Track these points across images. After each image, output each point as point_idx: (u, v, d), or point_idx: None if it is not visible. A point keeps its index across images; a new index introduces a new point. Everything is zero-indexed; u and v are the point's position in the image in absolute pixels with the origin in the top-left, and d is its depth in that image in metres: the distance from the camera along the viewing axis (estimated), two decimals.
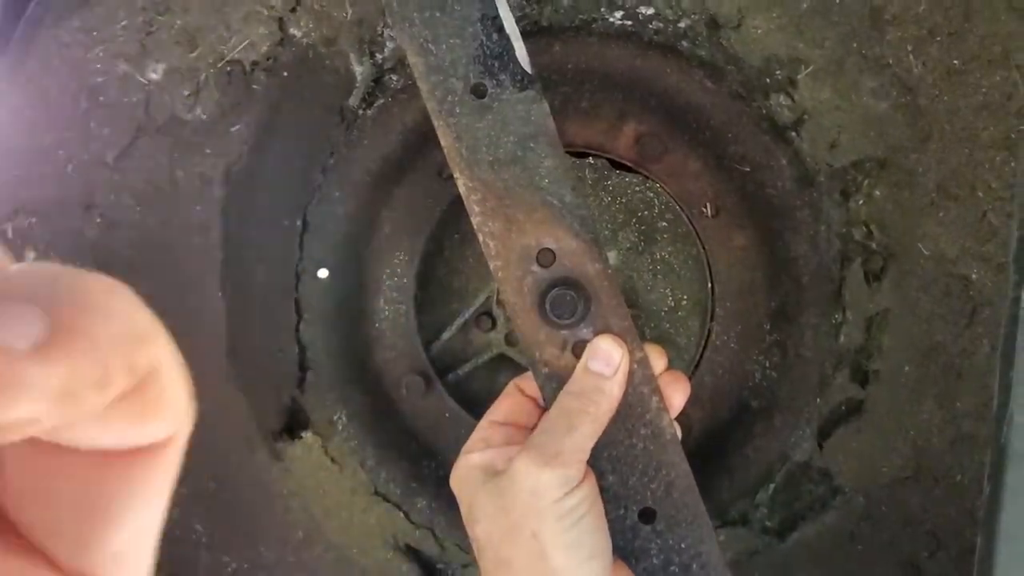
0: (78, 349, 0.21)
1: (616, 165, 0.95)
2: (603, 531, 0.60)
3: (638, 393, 0.63)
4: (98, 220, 0.85)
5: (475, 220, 0.63)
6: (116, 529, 0.25)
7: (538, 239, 0.63)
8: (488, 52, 0.63)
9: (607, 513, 0.62)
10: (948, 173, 0.80)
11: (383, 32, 0.86)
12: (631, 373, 0.63)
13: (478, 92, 0.63)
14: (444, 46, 0.63)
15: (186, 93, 0.83)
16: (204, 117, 0.84)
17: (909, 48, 0.79)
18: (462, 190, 0.63)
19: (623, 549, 0.63)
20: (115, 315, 0.22)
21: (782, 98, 0.85)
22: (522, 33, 0.63)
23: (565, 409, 0.61)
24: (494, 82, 0.63)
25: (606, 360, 0.62)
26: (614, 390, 0.61)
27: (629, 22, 0.87)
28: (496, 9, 0.63)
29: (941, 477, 0.83)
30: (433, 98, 0.63)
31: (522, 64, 0.63)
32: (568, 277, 0.63)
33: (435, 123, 0.63)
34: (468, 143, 0.63)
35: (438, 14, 0.62)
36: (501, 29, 0.63)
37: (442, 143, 0.63)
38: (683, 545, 0.64)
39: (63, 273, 0.22)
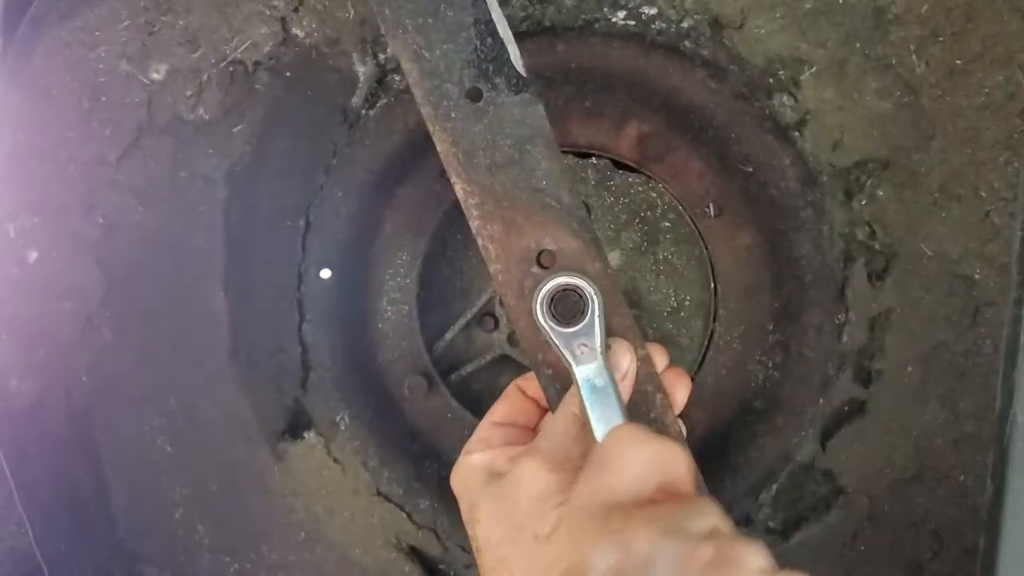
0: None
1: (619, 165, 0.95)
2: None
3: (642, 391, 0.63)
4: (100, 220, 0.84)
5: (474, 224, 0.64)
6: None
7: (538, 241, 0.63)
8: (482, 56, 0.63)
9: None
10: (951, 173, 0.81)
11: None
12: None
13: (473, 96, 0.63)
14: (438, 51, 0.63)
15: (188, 93, 0.83)
16: (206, 117, 0.84)
17: (912, 48, 0.79)
18: (460, 195, 0.63)
19: None
20: None
21: (785, 98, 0.85)
22: (525, 33, 0.64)
23: (572, 414, 0.60)
24: (489, 86, 0.63)
25: (615, 365, 0.61)
26: (623, 395, 0.61)
27: (632, 22, 0.87)
28: (489, 14, 0.63)
29: (944, 477, 0.83)
30: (428, 103, 0.63)
31: (516, 67, 0.63)
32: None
33: (431, 128, 0.63)
34: (465, 147, 0.63)
35: (431, 20, 0.63)
36: (495, 33, 0.63)
37: (438, 148, 0.63)
38: None
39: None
